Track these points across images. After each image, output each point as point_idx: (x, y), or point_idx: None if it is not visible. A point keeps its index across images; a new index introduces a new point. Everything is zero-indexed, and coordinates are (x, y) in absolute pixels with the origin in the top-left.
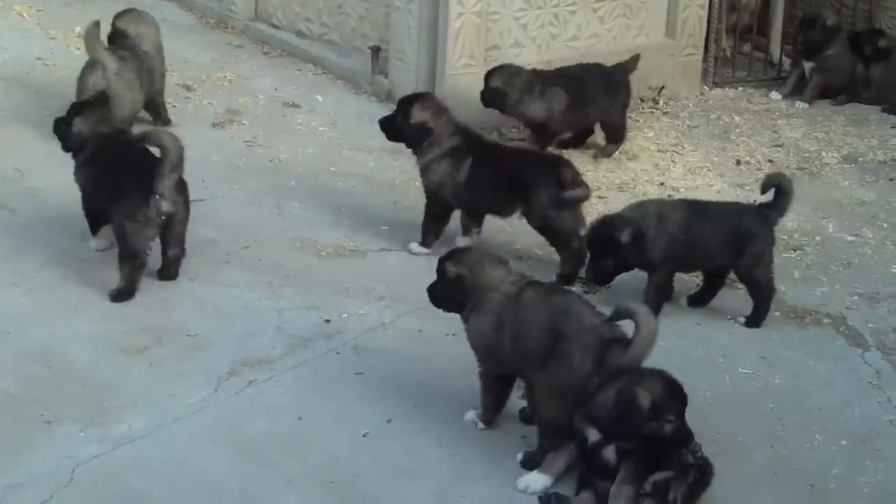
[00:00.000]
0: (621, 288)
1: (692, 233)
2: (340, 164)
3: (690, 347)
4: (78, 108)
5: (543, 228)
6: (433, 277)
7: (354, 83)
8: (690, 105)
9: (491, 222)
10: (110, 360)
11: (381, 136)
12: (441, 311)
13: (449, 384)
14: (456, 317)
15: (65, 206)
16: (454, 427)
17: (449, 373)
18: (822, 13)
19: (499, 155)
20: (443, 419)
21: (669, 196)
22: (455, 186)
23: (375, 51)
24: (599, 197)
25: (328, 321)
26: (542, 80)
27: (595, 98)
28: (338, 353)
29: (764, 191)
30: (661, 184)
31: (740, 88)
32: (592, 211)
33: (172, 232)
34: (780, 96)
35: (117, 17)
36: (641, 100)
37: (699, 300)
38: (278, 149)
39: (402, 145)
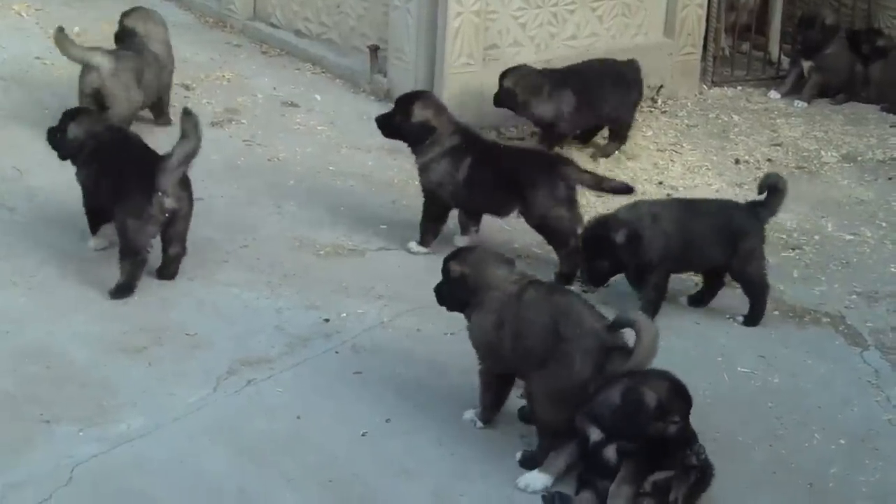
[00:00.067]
0: (620, 287)
1: (685, 231)
2: (339, 164)
3: (689, 347)
4: (71, 115)
5: (541, 227)
6: (432, 277)
7: (353, 82)
8: (689, 104)
9: (490, 221)
10: (109, 359)
11: (380, 136)
12: (444, 310)
13: (448, 383)
14: (454, 316)
15: (64, 205)
16: (453, 426)
17: (448, 372)
18: (820, 12)
19: (497, 154)
20: (442, 418)
21: (668, 195)
22: (454, 186)
23: (374, 50)
24: (598, 196)
25: (327, 320)
26: (552, 80)
27: (605, 96)
28: (336, 352)
29: (761, 191)
30: (660, 183)
31: (739, 87)
32: (592, 211)
33: (175, 229)
34: (778, 95)
35: (125, 15)
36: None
37: (699, 300)
38: (277, 148)
39: (400, 144)
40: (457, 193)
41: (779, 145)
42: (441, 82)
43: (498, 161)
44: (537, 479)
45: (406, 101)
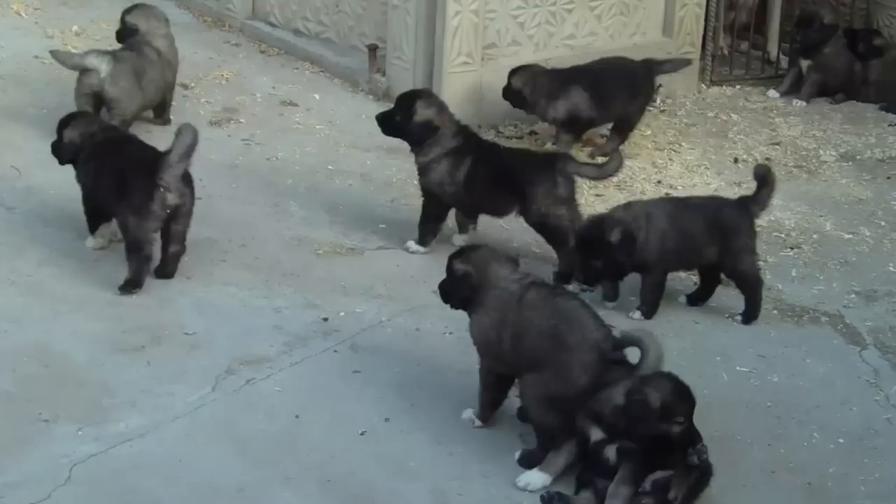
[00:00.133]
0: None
1: (679, 229)
2: (338, 163)
3: (688, 346)
4: (64, 122)
5: (541, 226)
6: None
7: (352, 81)
8: (688, 103)
9: (489, 221)
10: (108, 358)
11: (379, 135)
12: (443, 309)
13: (446, 382)
14: (453, 315)
15: (62, 204)
16: (452, 425)
17: (446, 371)
18: (819, 11)
19: (497, 154)
20: (440, 417)
21: (666, 194)
22: (454, 186)
23: (373, 49)
24: (597, 195)
25: (326, 319)
26: (562, 78)
27: (615, 94)
28: (335, 351)
29: (755, 179)
30: (659, 182)
31: (738, 87)
32: (591, 210)
33: (176, 226)
34: (777, 94)
35: (126, 12)
36: None
37: (697, 299)
38: (276, 147)
39: (399, 143)
40: (457, 194)
41: (777, 144)
42: (439, 81)
43: (497, 161)
44: (536, 479)
45: (408, 100)
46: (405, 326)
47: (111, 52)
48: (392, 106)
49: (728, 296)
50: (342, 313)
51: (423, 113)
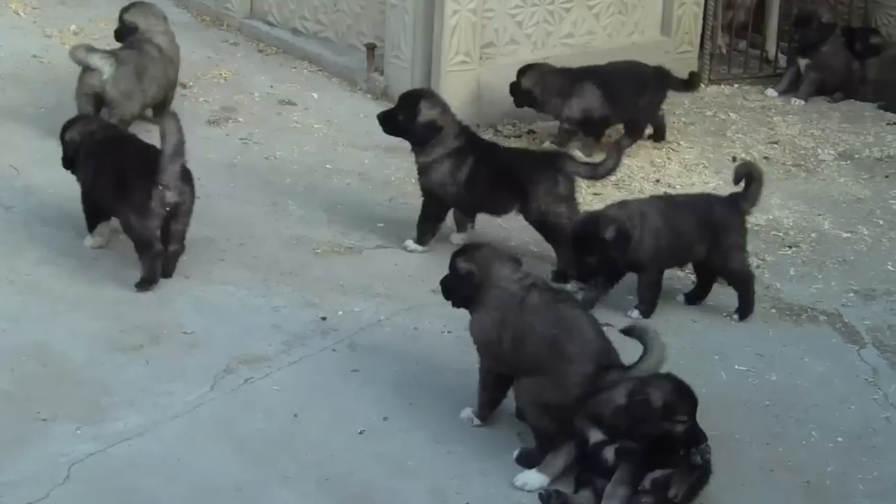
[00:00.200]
0: (616, 286)
1: (672, 227)
2: (336, 162)
3: (686, 345)
4: (65, 127)
5: (540, 224)
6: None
7: (350, 81)
8: (686, 102)
9: (487, 220)
10: (106, 357)
11: (377, 134)
12: (441, 308)
13: (445, 381)
14: (452, 314)
15: (60, 203)
16: (450, 424)
17: (445, 370)
18: (817, 10)
19: (497, 154)
20: (439, 416)
21: (665, 193)
22: (456, 187)
23: (371, 48)
24: (595, 194)
25: (324, 319)
26: (572, 78)
27: (624, 96)
28: (334, 350)
29: (736, 181)
30: (657, 181)
31: (736, 85)
32: (589, 209)
33: (176, 225)
34: (775, 93)
35: (124, 10)
36: None
37: (695, 297)
38: (274, 146)
39: (397, 142)
40: (458, 194)
41: (776, 143)
42: (438, 80)
43: (498, 161)
44: (534, 480)
45: (411, 100)
46: (404, 325)
47: (115, 53)
48: (392, 105)
49: (726, 294)
50: (340, 312)
51: (427, 113)
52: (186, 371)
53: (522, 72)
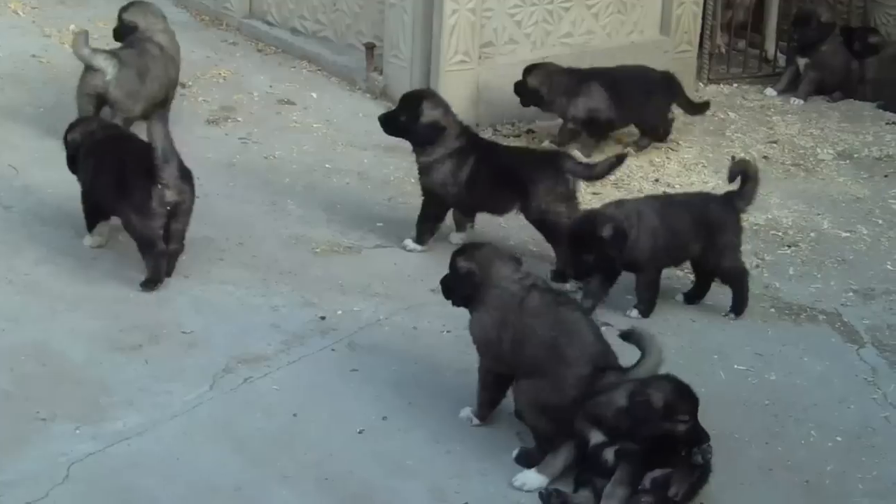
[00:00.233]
0: (616, 285)
1: (668, 226)
2: (335, 161)
3: (685, 344)
4: (68, 129)
5: (540, 223)
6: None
7: (349, 80)
8: None
9: (486, 219)
10: (105, 357)
11: (376, 133)
12: (440, 307)
13: (444, 381)
14: (451, 313)
15: (60, 202)
16: (450, 424)
17: (444, 369)
18: (816, 9)
19: (498, 153)
20: (438, 416)
21: (664, 192)
22: (457, 186)
23: (370, 48)
24: (594, 193)
25: (323, 318)
26: (580, 77)
27: (632, 98)
28: (333, 349)
29: (731, 179)
30: (657, 180)
31: (735, 85)
32: (588, 207)
33: (176, 224)
34: (774, 93)
35: (123, 10)
36: None
37: (694, 296)
38: (273, 146)
39: (397, 142)
40: (459, 194)
41: (775, 142)
42: (436, 80)
43: (499, 160)
44: (533, 479)
45: (414, 101)
46: (403, 325)
47: (117, 54)
48: (391, 105)
49: (725, 294)
50: (340, 312)
51: (430, 114)
52: (185, 370)
53: (529, 71)
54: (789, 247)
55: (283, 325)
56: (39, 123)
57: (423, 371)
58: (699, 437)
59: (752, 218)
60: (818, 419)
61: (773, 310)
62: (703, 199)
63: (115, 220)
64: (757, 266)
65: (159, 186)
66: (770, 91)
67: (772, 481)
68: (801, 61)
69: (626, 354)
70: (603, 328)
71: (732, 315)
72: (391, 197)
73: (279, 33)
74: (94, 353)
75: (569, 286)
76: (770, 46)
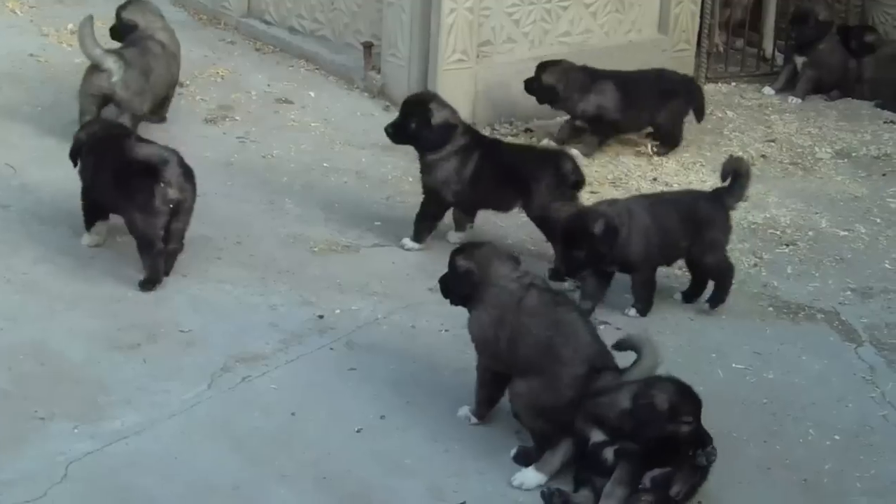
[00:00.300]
0: (613, 284)
1: (659, 224)
2: (333, 160)
3: (684, 343)
4: (80, 128)
5: (541, 221)
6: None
7: (347, 79)
8: None
9: (485, 218)
10: (103, 356)
11: (374, 132)
12: (438, 306)
13: (442, 380)
14: (449, 312)
15: (58, 202)
16: (448, 422)
17: (442, 368)
18: (814, 8)
19: (501, 150)
20: (436, 414)
21: (663, 192)
22: (460, 184)
23: (368, 47)
24: (592, 192)
25: (321, 317)
26: (595, 75)
27: (646, 99)
28: (331, 348)
29: (723, 177)
30: (654, 179)
31: (733, 84)
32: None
33: (177, 223)
34: (772, 91)
35: (122, 8)
36: None
37: (692, 295)
38: (271, 145)
39: None
40: (461, 192)
41: (773, 141)
42: (434, 79)
43: (501, 157)
44: (532, 478)
45: (419, 105)
46: (401, 324)
47: (122, 54)
48: (389, 104)
49: None
50: (338, 311)
51: (440, 115)
52: (184, 369)
53: (543, 67)
54: (787, 245)
55: (281, 323)
56: (37, 122)
57: (421, 370)
58: (703, 439)
59: (750, 216)
60: (816, 418)
61: (771, 308)
62: (693, 196)
63: (114, 220)
64: (755, 265)
65: (162, 185)
66: (768, 90)
67: (770, 480)
68: (799, 60)
69: (626, 354)
70: (601, 327)
71: (707, 305)
72: (389, 196)
73: (277, 32)
74: (92, 352)
75: (567, 285)
76: (768, 45)
